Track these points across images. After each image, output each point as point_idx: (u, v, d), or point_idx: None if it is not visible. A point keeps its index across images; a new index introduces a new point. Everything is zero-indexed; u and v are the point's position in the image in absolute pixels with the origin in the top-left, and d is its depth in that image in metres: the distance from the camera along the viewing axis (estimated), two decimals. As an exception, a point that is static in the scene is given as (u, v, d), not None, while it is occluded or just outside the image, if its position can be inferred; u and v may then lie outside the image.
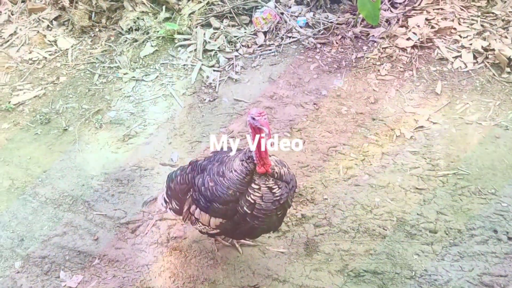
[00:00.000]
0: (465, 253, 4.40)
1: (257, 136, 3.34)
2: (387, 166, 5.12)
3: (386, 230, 4.61)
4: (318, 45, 6.37)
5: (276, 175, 3.55)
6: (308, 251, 4.51)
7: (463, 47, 6.07)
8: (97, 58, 6.43)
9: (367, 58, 6.17)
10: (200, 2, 6.77)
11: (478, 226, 4.57)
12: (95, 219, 4.86)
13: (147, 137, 5.59)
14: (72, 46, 6.61)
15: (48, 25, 6.82)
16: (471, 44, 6.04)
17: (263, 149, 3.37)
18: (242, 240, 4.56)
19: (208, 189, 3.62)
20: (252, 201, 3.50)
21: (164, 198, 4.24)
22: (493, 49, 5.91)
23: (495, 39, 5.98)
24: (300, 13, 6.74)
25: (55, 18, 6.86)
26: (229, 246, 4.56)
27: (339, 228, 4.66)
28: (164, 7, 6.55)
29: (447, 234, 4.55)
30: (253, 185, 3.50)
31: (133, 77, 6.17)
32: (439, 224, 4.61)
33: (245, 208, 3.54)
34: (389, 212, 4.74)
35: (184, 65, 6.30)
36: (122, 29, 6.65)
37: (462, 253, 4.40)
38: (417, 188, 4.90)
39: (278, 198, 3.53)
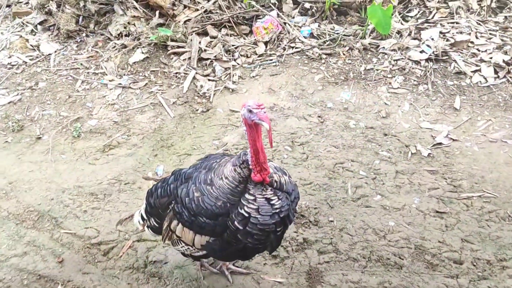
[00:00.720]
0: (497, 289, 3.71)
1: (254, 134, 2.74)
2: (402, 186, 4.49)
3: (402, 259, 3.95)
4: (324, 56, 5.86)
5: (275, 184, 2.95)
6: (311, 282, 3.82)
7: (482, 60, 5.57)
8: (81, 64, 5.89)
9: (377, 70, 5.65)
10: (198, 10, 6.31)
11: (510, 257, 3.91)
12: (61, 238, 4.18)
13: (130, 148, 4.97)
14: (55, 51, 6.09)
15: (32, 30, 6.33)
16: (491, 58, 5.54)
17: (261, 151, 2.77)
18: (233, 267, 3.89)
19: (193, 200, 3.01)
20: (246, 215, 2.89)
21: (142, 215, 3.62)
22: (516, 63, 5.40)
23: (517, 53, 5.48)
24: (304, 24, 6.29)
25: (41, 23, 6.39)
26: (217, 273, 3.88)
27: (347, 255, 3.98)
28: (157, 13, 6.08)
29: (474, 265, 3.88)
30: (247, 196, 2.89)
31: (120, 84, 5.62)
32: (464, 254, 3.96)
33: (236, 223, 2.91)
34: (405, 238, 4.08)
35: (177, 73, 5.76)
36: (111, 34, 6.16)
37: (493, 287, 3.72)
38: (437, 212, 4.27)
39: (277, 211, 2.91)
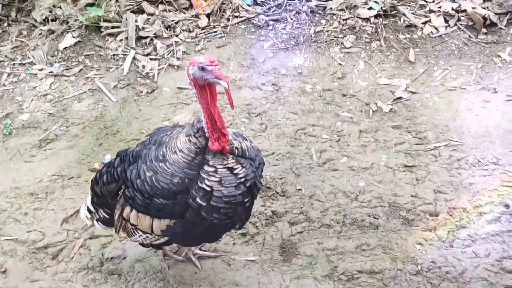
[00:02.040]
0: (476, 236, 3.64)
1: (207, 96, 2.40)
2: (367, 145, 4.29)
3: (377, 219, 3.77)
4: (271, 22, 5.54)
5: (236, 151, 2.62)
6: (286, 256, 3.56)
7: (431, 11, 5.44)
8: (5, 56, 5.27)
9: (327, 31, 5.40)
10: (130, -14, 5.82)
11: (486, 202, 3.84)
12: (2, 246, 3.69)
13: (71, 140, 4.48)
14: (-25, 46, 5.44)
15: None
16: (439, 8, 5.42)
17: (217, 116, 2.44)
18: (200, 252, 3.56)
19: (146, 181, 2.64)
20: (208, 189, 2.55)
21: (88, 207, 3.20)
22: (465, 10, 5.30)
23: (465, 0, 5.37)
24: (246, -8, 5.92)
25: (-47, 17, 5.68)
26: (184, 261, 3.54)
27: (320, 223, 3.75)
28: (85, -8, 5.54)
29: (451, 215, 3.77)
30: (206, 168, 2.56)
31: (51, 72, 5.07)
32: (439, 205, 3.83)
33: (198, 199, 2.58)
34: (378, 197, 3.90)
35: (114, 55, 5.27)
36: (36, 21, 5.54)
37: (473, 236, 3.64)
38: (406, 166, 4.11)
39: (242, 180, 2.60)
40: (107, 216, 3.06)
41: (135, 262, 3.55)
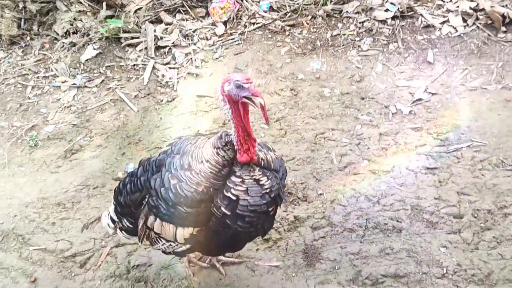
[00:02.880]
0: (502, 237, 3.59)
1: (241, 112, 2.44)
2: (388, 148, 4.28)
3: (400, 222, 3.74)
4: (287, 28, 5.57)
5: (262, 162, 2.65)
6: (309, 261, 3.56)
7: (449, 11, 5.38)
8: (29, 69, 5.42)
9: (344, 35, 5.40)
10: (147, -3, 5.92)
11: (511, 203, 3.76)
12: (31, 256, 3.79)
13: (95, 150, 4.58)
14: (0, 60, 5.59)
15: (-30, 41, 5.81)
16: (457, 7, 5.36)
17: (249, 130, 2.49)
18: (224, 258, 3.59)
19: (170, 190, 2.67)
20: (234, 198, 2.59)
21: (111, 216, 3.23)
22: (483, 9, 5.24)
23: (483, -2, 5.32)
24: (261, -2, 5.96)
25: (-21, 32, 5.86)
26: (208, 268, 3.57)
27: (343, 227, 3.74)
28: (104, 4, 5.64)
29: (475, 217, 3.72)
30: (233, 178, 2.60)
31: (74, 84, 5.19)
32: (463, 207, 3.78)
33: (223, 208, 2.60)
34: (400, 200, 3.87)
35: (134, 65, 5.37)
36: (58, 34, 5.69)
37: (499, 237, 3.59)
38: (428, 168, 4.08)
39: (267, 191, 2.64)
40: (131, 226, 3.10)
41: (160, 269, 3.60)
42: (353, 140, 4.36)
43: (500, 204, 3.75)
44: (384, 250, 3.57)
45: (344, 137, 4.40)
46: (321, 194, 3.97)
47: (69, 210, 4.07)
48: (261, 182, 2.61)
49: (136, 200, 2.94)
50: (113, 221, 3.21)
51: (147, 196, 2.85)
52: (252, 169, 2.61)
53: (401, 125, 4.45)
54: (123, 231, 3.19)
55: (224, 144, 2.55)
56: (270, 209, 2.73)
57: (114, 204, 3.19)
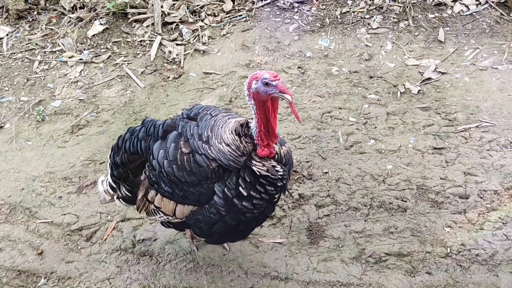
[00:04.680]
0: (508, 218, 3.58)
1: (267, 109, 2.44)
2: (395, 127, 4.24)
3: (406, 201, 3.73)
4: (296, 5, 5.49)
5: (276, 156, 2.67)
6: (313, 238, 3.57)
7: (461, -12, 5.26)
8: (36, 44, 5.41)
9: (353, 12, 5.31)
10: (155, -28, 5.83)
11: (518, 184, 3.71)
12: (38, 229, 3.83)
13: (101, 126, 4.59)
14: (7, 35, 5.58)
15: (-22, 15, 5.79)
16: (470, -16, 5.23)
17: (274, 128, 2.50)
18: None
19: (176, 160, 2.61)
20: (257, 173, 2.59)
21: (110, 184, 3.11)
22: (497, -13, 5.12)
23: (497, -24, 5.19)
24: (270, -26, 5.86)
25: (-14, 7, 5.83)
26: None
27: (348, 205, 3.74)
28: (111, -21, 5.59)
29: (481, 197, 3.70)
30: (253, 162, 2.59)
31: (81, 59, 5.18)
32: (469, 187, 3.75)
33: (240, 189, 2.60)
34: (406, 180, 3.85)
35: (141, 41, 5.33)
36: (64, 9, 5.66)
37: (504, 218, 3.58)
38: (435, 148, 4.04)
39: (281, 177, 2.66)
40: (129, 195, 3.03)
41: (165, 244, 3.64)
42: (360, 119, 4.33)
43: (507, 185, 3.73)
44: (388, 229, 3.57)
45: (351, 116, 4.37)
46: (326, 172, 3.96)
47: (76, 184, 4.08)
48: (276, 168, 2.63)
49: (134, 162, 2.86)
50: (112, 188, 3.12)
51: (147, 166, 2.79)
52: (268, 160, 2.62)
53: (409, 105, 4.40)
54: (121, 200, 3.13)
55: (243, 134, 2.54)
56: (276, 196, 2.78)
57: (109, 167, 3.06)
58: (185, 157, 2.60)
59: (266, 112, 2.44)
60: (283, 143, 2.80)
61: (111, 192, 3.14)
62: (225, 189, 2.61)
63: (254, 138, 2.53)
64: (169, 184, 2.70)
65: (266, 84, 2.33)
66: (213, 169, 2.58)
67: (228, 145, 2.54)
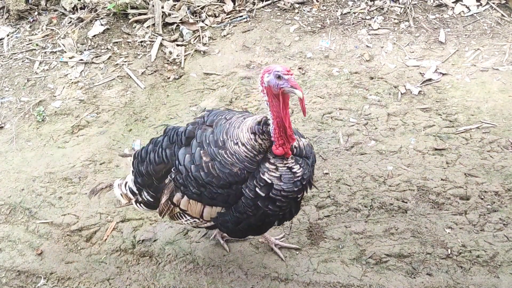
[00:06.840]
0: (508, 220, 3.56)
1: (280, 104, 2.41)
2: (395, 128, 4.23)
3: (406, 202, 3.72)
4: (296, 5, 5.49)
5: (295, 150, 2.65)
6: (313, 239, 3.57)
7: (462, -11, 5.26)
8: (37, 44, 5.41)
9: (354, 13, 5.31)
10: (156, -27, 5.84)
11: (519, 185, 3.70)
12: (38, 229, 3.83)
13: (101, 126, 4.58)
14: (8, 35, 5.58)
15: (-22, 15, 5.80)
16: (471, -15, 5.23)
17: (288, 124, 2.47)
18: (283, 244, 3.54)
19: (202, 168, 2.62)
20: (269, 181, 2.58)
21: (130, 188, 3.12)
22: (498, -12, 5.12)
23: (498, -23, 5.19)
24: (271, -25, 5.86)
25: (-13, 7, 5.84)
26: (212, 244, 3.58)
27: (348, 206, 3.73)
28: (112, -21, 5.59)
29: (482, 199, 3.68)
30: (267, 164, 2.59)
31: (81, 60, 5.18)
32: (470, 188, 3.75)
33: (257, 189, 2.60)
34: (406, 181, 3.84)
35: (142, 42, 5.34)
36: (65, 9, 5.67)
37: (505, 219, 3.57)
38: (436, 149, 4.03)
39: (299, 178, 2.63)
40: (151, 199, 3.01)
41: (165, 245, 3.63)
42: (360, 120, 4.32)
43: (508, 186, 3.71)
44: (388, 230, 3.56)
45: (351, 116, 4.36)
46: (326, 173, 3.95)
47: (76, 185, 4.09)
48: (293, 170, 2.61)
49: (160, 172, 2.86)
50: (133, 193, 3.12)
51: (172, 170, 2.78)
52: (285, 158, 2.60)
53: (410, 106, 4.39)
54: (142, 204, 3.10)
55: (261, 132, 2.52)
56: (299, 196, 2.76)
57: (133, 173, 3.07)
58: (209, 164, 2.60)
59: (279, 109, 2.41)
60: (302, 136, 2.79)
61: (131, 196, 3.13)
62: (247, 190, 2.62)
63: (271, 134, 2.50)
64: (197, 187, 2.68)
65: (278, 77, 2.33)
66: (236, 173, 2.58)
67: (243, 144, 2.54)
